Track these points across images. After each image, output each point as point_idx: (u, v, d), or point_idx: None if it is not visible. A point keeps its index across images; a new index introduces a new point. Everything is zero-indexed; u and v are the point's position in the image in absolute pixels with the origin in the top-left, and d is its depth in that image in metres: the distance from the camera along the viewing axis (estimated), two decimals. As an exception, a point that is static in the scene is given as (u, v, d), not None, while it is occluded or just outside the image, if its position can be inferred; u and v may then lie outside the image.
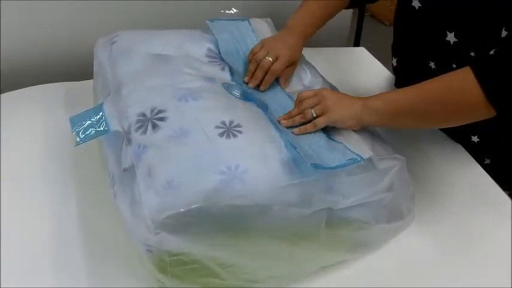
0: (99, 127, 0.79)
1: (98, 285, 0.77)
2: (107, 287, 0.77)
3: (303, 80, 1.00)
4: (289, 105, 0.91)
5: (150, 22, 1.25)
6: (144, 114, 0.78)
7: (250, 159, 0.72)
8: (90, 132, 0.79)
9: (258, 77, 0.94)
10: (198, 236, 0.68)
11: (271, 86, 0.96)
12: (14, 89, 1.13)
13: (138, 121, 0.77)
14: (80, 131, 0.79)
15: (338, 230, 0.77)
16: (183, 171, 0.69)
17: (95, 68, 0.96)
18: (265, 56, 0.95)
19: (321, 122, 0.83)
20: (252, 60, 0.96)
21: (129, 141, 0.75)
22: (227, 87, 0.89)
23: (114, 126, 0.78)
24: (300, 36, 0.99)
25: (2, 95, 1.11)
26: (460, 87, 0.77)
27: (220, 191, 0.68)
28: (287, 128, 0.84)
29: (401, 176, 0.81)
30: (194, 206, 0.66)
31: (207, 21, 1.03)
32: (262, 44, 0.98)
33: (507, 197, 0.96)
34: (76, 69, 1.18)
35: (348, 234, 0.79)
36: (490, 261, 0.85)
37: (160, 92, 0.82)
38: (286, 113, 0.87)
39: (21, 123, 1.05)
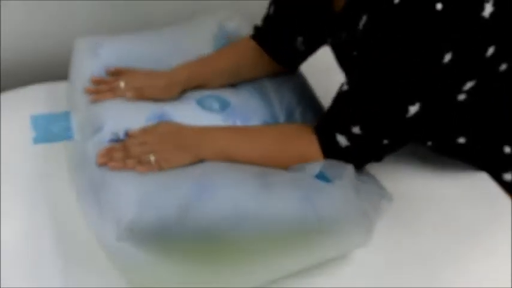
0: (63, 132, 0.81)
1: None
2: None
3: None
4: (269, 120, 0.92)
5: (146, 20, 1.27)
6: (117, 135, 0.79)
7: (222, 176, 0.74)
8: (52, 135, 0.81)
9: (102, 93, 0.88)
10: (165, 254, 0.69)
11: (255, 94, 0.98)
12: (14, 88, 1.14)
13: (111, 140, 0.78)
14: (42, 131, 0.80)
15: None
16: (153, 187, 0.71)
17: (73, 70, 0.96)
18: (121, 81, 0.90)
19: None
20: (107, 79, 0.92)
21: None
22: (202, 101, 0.91)
23: (81, 136, 0.80)
24: (175, 83, 0.94)
25: (1, 94, 1.12)
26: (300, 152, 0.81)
27: (189, 206, 0.69)
28: None
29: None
30: (164, 217, 0.67)
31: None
32: (135, 72, 0.94)
33: (507, 197, 0.96)
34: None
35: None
36: (489, 261, 0.85)
37: (136, 111, 0.84)
38: None
39: (21, 122, 1.03)
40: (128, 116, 0.84)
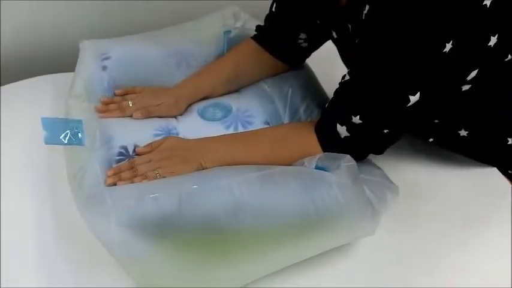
0: (73, 138, 0.83)
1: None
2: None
3: None
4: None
5: (150, 16, 1.28)
6: (126, 149, 0.83)
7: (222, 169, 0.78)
8: (62, 140, 0.83)
9: (111, 111, 0.93)
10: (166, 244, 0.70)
11: (257, 95, 1.00)
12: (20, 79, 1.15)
13: (120, 153, 0.82)
14: (52, 133, 0.83)
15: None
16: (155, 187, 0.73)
17: (79, 69, 0.99)
18: (129, 100, 0.94)
19: None
20: (115, 98, 0.96)
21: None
22: (204, 112, 0.95)
23: (90, 143, 0.83)
24: (180, 100, 0.97)
25: (10, 84, 1.13)
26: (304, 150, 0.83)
27: (189, 196, 0.70)
28: None
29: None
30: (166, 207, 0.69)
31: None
32: (141, 90, 0.98)
33: (508, 184, 0.96)
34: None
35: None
36: (492, 253, 0.86)
37: (143, 125, 0.89)
38: None
39: (28, 112, 1.05)
40: (135, 130, 0.88)
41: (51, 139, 0.82)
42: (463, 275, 0.83)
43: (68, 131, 0.84)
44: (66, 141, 0.83)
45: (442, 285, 0.81)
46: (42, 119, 0.83)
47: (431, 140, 0.95)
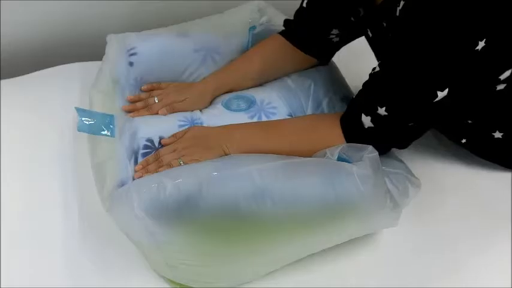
0: (105, 129, 0.86)
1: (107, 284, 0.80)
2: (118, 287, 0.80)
3: None
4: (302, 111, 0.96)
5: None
6: (152, 141, 0.85)
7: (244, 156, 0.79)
8: (94, 130, 0.86)
9: (138, 110, 0.95)
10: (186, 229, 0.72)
11: (280, 88, 1.00)
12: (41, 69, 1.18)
13: (145, 146, 0.84)
14: (86, 123, 0.86)
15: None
16: (176, 174, 0.75)
17: (105, 63, 1.00)
18: (155, 97, 0.96)
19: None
20: (142, 95, 0.98)
21: (136, 160, 0.83)
22: (229, 103, 0.97)
23: (119, 136, 0.85)
24: (205, 95, 0.99)
25: (34, 72, 1.16)
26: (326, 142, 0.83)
27: (210, 181, 0.72)
28: None
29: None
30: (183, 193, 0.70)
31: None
32: (167, 86, 1.00)
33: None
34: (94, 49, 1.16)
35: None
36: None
37: (168, 117, 0.92)
38: None
39: (53, 100, 1.09)
40: (160, 122, 0.90)
41: (84, 128, 0.85)
42: (484, 274, 0.83)
43: (101, 122, 0.87)
44: (97, 132, 0.86)
45: (461, 284, 0.82)
46: (77, 108, 0.87)
47: (463, 141, 0.94)
